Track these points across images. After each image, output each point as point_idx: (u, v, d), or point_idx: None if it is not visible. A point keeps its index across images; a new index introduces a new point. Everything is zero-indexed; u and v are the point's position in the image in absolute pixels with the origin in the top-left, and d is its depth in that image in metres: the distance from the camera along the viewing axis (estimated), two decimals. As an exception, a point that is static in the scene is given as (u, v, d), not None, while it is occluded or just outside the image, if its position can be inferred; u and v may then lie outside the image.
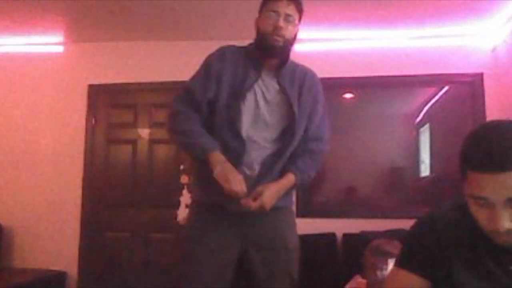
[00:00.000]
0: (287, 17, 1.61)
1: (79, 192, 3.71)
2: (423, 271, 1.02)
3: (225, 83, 1.64)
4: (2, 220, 3.64)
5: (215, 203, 1.62)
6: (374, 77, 3.58)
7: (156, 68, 3.78)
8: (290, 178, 1.62)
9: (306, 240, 3.31)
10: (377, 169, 3.61)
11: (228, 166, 1.53)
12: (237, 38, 3.61)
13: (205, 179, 1.60)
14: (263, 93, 1.65)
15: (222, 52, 1.73)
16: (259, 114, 1.63)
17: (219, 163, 1.53)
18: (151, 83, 3.78)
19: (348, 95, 3.74)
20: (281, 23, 1.59)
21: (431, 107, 3.63)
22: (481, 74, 3.47)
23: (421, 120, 3.63)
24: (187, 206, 3.41)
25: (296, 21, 1.65)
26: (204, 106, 1.66)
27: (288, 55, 1.68)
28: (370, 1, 3.01)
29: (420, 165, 3.59)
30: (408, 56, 3.55)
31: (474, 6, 3.06)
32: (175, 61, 3.76)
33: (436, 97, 3.62)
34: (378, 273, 2.11)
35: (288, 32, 1.61)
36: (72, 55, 3.90)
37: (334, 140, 3.63)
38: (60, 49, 3.91)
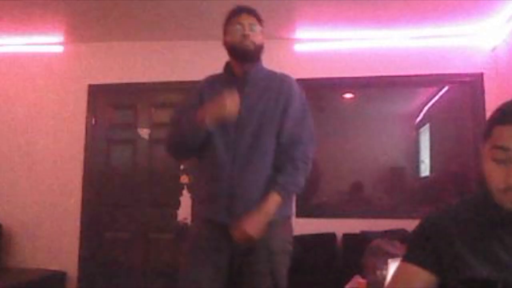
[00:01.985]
0: (251, 26, 1.76)
1: (79, 192, 3.71)
2: (429, 265, 1.02)
3: None
4: (2, 220, 3.64)
5: (208, 218, 1.74)
6: (374, 77, 3.57)
7: (156, 68, 3.78)
8: (274, 198, 1.67)
9: (306, 240, 3.32)
10: (377, 169, 3.61)
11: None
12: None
13: (199, 195, 1.75)
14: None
15: (201, 85, 1.89)
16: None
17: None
18: (151, 83, 3.78)
19: (348, 95, 3.74)
20: (247, 31, 1.75)
21: (431, 107, 3.63)
22: (481, 74, 3.47)
23: (421, 120, 3.63)
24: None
25: (259, 30, 1.79)
26: None
27: (258, 60, 1.80)
28: (370, 1, 3.01)
29: (420, 165, 3.59)
30: (408, 56, 3.55)
31: (474, 6, 3.06)
32: (175, 61, 3.76)
33: (436, 97, 3.63)
34: (378, 273, 2.11)
35: (255, 38, 1.76)
36: (72, 55, 3.90)
37: (333, 140, 3.67)
38: (60, 49, 3.91)
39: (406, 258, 1.07)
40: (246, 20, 1.77)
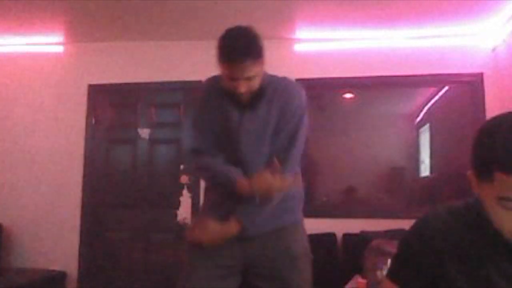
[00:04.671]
0: (247, 79, 1.51)
1: (79, 192, 3.71)
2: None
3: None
4: (2, 220, 3.64)
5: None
6: (374, 77, 3.58)
7: (156, 68, 3.78)
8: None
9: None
10: (377, 169, 3.61)
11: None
12: (237, 38, 3.62)
13: (211, 202, 1.71)
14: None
15: (205, 92, 1.75)
16: None
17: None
18: (151, 83, 3.78)
19: (348, 95, 3.74)
20: (242, 89, 1.52)
21: (431, 107, 3.63)
22: (481, 74, 3.47)
23: (421, 120, 3.63)
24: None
25: (258, 71, 1.54)
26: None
27: (261, 93, 1.62)
28: (370, 1, 3.01)
29: (420, 165, 3.59)
30: (408, 56, 3.55)
31: (474, 6, 3.06)
32: (175, 61, 3.76)
33: (436, 97, 3.62)
34: (378, 273, 2.11)
35: (252, 86, 1.55)
36: (72, 55, 3.90)
37: (334, 140, 3.67)
38: (60, 49, 3.91)
39: (391, 276, 1.02)
40: (241, 72, 1.48)
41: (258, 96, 1.61)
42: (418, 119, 3.64)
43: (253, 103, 1.62)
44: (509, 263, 0.88)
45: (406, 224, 1.05)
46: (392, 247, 2.30)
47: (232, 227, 1.56)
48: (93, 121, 3.80)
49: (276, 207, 1.62)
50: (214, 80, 1.71)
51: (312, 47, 3.65)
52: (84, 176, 3.73)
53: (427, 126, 3.61)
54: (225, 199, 1.64)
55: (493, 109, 3.38)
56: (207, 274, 1.61)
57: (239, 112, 1.63)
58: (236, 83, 1.52)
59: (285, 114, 1.65)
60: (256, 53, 1.51)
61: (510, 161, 0.77)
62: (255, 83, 1.56)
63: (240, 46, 1.49)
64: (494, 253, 0.89)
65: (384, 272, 2.06)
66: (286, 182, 1.54)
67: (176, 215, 3.56)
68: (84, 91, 3.81)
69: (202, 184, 3.37)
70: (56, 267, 3.58)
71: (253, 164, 1.64)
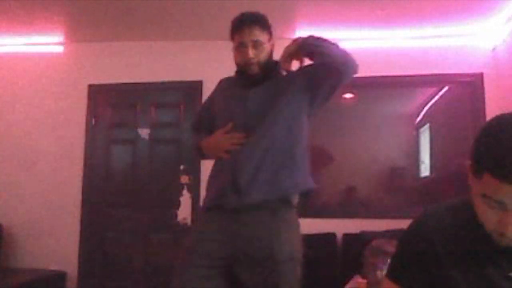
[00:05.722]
0: (254, 43, 1.69)
1: (79, 192, 3.71)
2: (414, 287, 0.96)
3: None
4: (2, 220, 3.64)
5: (213, 204, 1.68)
6: (374, 77, 3.57)
7: (156, 68, 3.78)
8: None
9: (306, 240, 3.32)
10: (377, 169, 3.61)
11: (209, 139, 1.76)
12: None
13: (208, 184, 1.76)
14: None
15: (216, 87, 1.94)
16: None
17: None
18: (151, 83, 3.78)
19: (348, 95, 3.74)
20: (250, 53, 1.68)
21: (431, 107, 3.63)
22: (481, 74, 3.47)
23: (421, 120, 3.63)
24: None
25: (265, 41, 1.72)
26: None
27: (269, 72, 1.74)
28: (370, 1, 3.01)
29: (420, 165, 3.59)
30: (408, 56, 3.55)
31: (474, 6, 3.07)
32: (175, 61, 3.76)
33: (436, 97, 3.62)
34: (378, 273, 2.11)
35: (261, 56, 1.70)
36: (72, 55, 3.90)
37: (334, 140, 3.67)
38: (60, 49, 3.92)
39: (390, 276, 1.02)
40: (248, 36, 1.68)
41: (266, 75, 1.72)
42: (418, 119, 3.64)
43: (261, 81, 1.72)
44: (508, 261, 0.88)
45: (406, 224, 1.05)
46: (392, 247, 2.30)
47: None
48: (93, 121, 3.80)
49: (276, 175, 1.63)
50: (228, 77, 1.88)
51: (312, 47, 3.65)
52: (84, 176, 3.73)
53: (427, 126, 3.61)
54: (224, 169, 1.68)
55: (493, 109, 3.38)
56: (197, 274, 1.61)
57: (247, 88, 1.73)
58: (245, 49, 1.68)
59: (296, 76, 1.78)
60: (263, 24, 1.73)
61: (499, 167, 0.78)
62: (262, 54, 1.70)
63: (248, 15, 1.73)
64: (493, 251, 0.88)
65: (384, 272, 2.07)
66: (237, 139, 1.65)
67: (176, 215, 3.56)
68: (84, 91, 3.81)
69: (202, 184, 3.38)
70: (56, 267, 3.58)
71: (260, 136, 1.64)
